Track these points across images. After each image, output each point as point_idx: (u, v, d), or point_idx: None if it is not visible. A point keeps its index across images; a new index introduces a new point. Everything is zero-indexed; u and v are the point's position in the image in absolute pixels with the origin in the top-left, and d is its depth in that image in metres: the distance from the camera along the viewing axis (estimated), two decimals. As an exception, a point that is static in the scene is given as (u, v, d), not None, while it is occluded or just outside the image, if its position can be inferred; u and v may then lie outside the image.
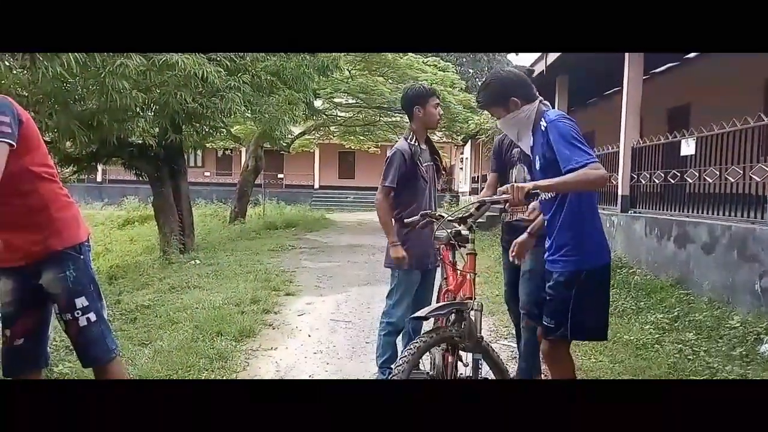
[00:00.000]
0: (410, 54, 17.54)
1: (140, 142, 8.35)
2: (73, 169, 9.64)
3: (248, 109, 8.52)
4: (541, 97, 2.56)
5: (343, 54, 11.02)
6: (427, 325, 3.04)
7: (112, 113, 6.52)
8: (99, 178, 28.38)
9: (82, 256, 2.34)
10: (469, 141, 22.11)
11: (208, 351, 4.11)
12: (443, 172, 3.86)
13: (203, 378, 3.66)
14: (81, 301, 2.29)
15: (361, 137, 22.38)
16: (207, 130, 9.22)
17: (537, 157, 2.50)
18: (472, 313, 2.48)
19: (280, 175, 31.35)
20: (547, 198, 2.52)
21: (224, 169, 31.90)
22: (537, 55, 11.09)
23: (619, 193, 7.92)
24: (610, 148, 8.55)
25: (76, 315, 2.28)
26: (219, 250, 10.24)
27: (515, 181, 3.07)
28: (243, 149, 21.61)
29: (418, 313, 2.59)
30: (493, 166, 3.57)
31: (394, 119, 19.25)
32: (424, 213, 3.01)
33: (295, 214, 18.44)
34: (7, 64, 4.76)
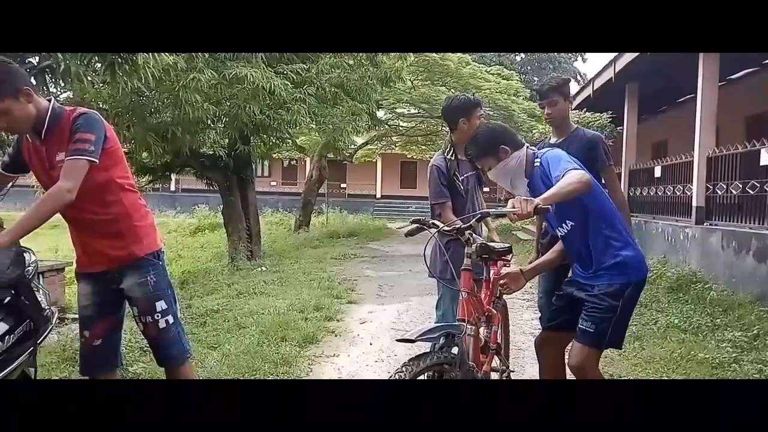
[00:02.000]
0: (473, 63, 17.47)
1: (211, 152, 8.70)
2: (148, 179, 10.14)
3: (313, 120, 8.71)
4: (527, 144, 2.64)
5: (406, 64, 11.10)
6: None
7: (185, 125, 6.83)
8: (172, 188, 29.59)
9: (160, 262, 2.47)
10: (534, 150, 21.70)
11: (273, 356, 4.22)
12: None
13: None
14: (161, 305, 2.42)
15: (423, 147, 22.41)
16: (274, 141, 9.49)
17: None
18: (465, 337, 2.30)
19: (343, 185, 31.78)
20: (564, 232, 2.56)
21: (289, 178, 32.64)
22: (605, 62, 10.81)
23: (694, 204, 7.58)
24: (683, 157, 8.21)
25: (156, 318, 2.41)
26: (284, 257, 10.48)
27: None
28: (307, 159, 22.08)
29: (405, 335, 2.36)
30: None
31: (456, 129, 19.17)
32: (415, 220, 2.78)
33: (358, 223, 18.65)
34: (89, 79, 5.07)
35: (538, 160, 2.51)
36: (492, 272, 2.92)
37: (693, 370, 4.02)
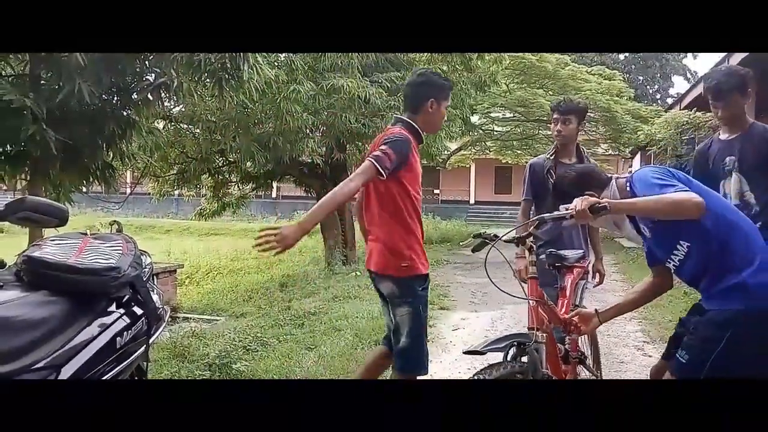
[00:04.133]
0: (572, 63, 16.90)
1: (309, 160, 9.03)
2: (252, 186, 10.68)
3: (407, 127, 8.79)
4: (614, 174, 2.30)
5: (501, 68, 10.96)
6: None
7: (286, 135, 7.15)
8: (274, 194, 30.87)
9: None
10: (639, 153, 20.62)
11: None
12: None
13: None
14: None
15: (519, 151, 21.93)
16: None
17: (642, 226, 2.19)
18: (537, 346, 2.23)
19: (436, 191, 31.72)
20: (681, 256, 2.10)
21: (384, 185, 33.02)
22: (717, 58, 10.09)
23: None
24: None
25: None
26: (378, 262, 10.61)
27: (729, 196, 2.70)
28: (401, 166, 22.21)
29: (473, 347, 2.33)
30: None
31: (554, 132, 18.61)
32: (476, 234, 2.65)
33: (450, 229, 18.54)
34: (199, 94, 5.45)
35: (629, 185, 2.17)
36: (569, 280, 2.82)
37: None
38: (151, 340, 1.88)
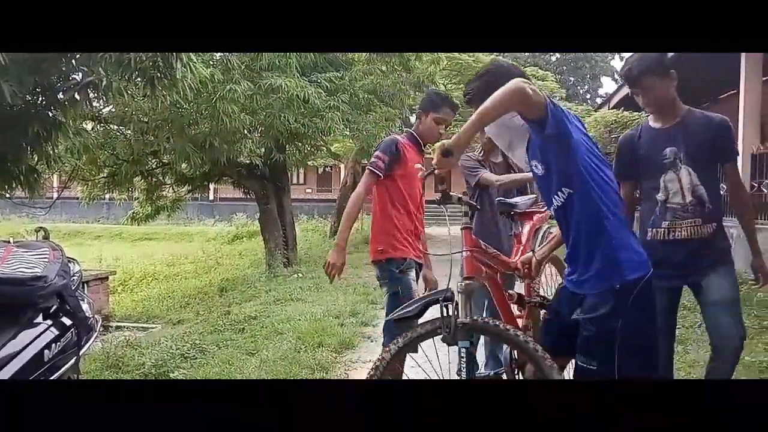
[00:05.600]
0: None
1: (248, 162, 8.87)
2: (188, 189, 10.40)
3: (347, 127, 8.80)
4: None
5: (438, 68, 11.14)
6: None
7: (223, 136, 6.99)
8: (211, 197, 30.16)
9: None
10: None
11: (309, 361, 4.25)
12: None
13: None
14: None
15: (458, 151, 22.32)
16: (308, 149, 9.62)
17: (535, 164, 1.99)
18: (456, 296, 2.10)
19: (378, 190, 31.86)
20: (559, 203, 1.94)
21: (324, 185, 32.91)
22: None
23: (738, 203, 7.36)
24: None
25: None
26: (320, 263, 10.55)
27: (677, 192, 2.46)
28: (342, 166, 22.22)
29: (389, 317, 2.42)
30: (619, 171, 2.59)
31: (490, 132, 19.06)
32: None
33: (393, 229, 18.62)
34: (130, 93, 5.25)
35: None
36: (527, 227, 2.81)
37: (739, 373, 3.89)
38: (81, 352, 1.80)
